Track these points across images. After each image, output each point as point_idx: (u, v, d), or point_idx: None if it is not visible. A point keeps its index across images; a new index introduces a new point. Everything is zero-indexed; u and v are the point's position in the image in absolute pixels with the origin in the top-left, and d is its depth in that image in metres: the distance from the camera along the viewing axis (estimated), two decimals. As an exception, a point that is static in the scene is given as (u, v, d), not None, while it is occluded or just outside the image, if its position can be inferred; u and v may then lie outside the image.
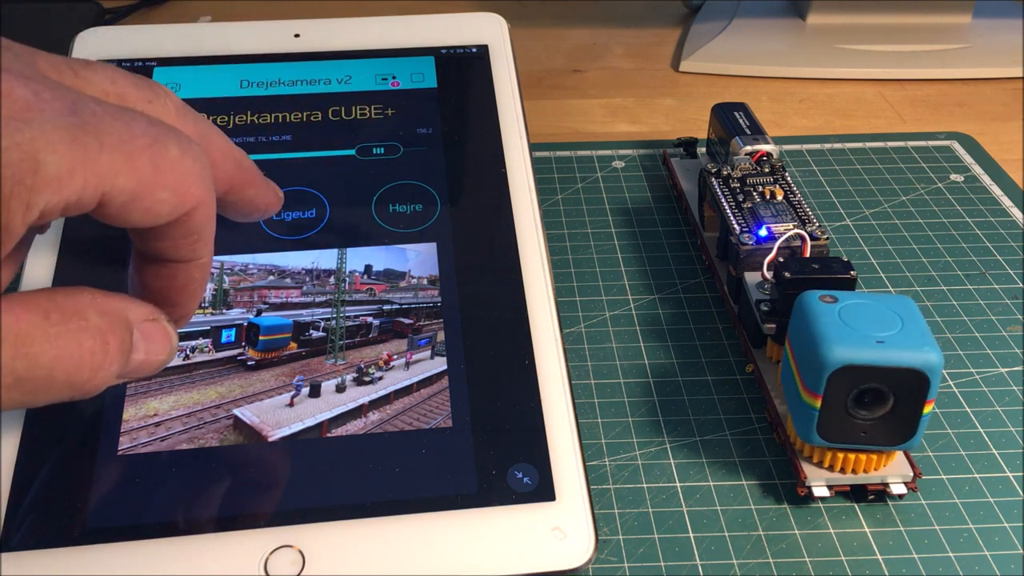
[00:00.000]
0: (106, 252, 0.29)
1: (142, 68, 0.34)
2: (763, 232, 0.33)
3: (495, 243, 0.30)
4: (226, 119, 0.33)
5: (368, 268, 0.30)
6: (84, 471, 0.25)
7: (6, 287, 0.19)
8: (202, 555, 0.23)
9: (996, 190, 0.42)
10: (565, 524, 0.24)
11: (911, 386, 0.25)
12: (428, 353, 0.28)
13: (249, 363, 0.27)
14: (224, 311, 0.28)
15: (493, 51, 0.35)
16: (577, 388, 0.32)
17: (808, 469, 0.27)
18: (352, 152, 0.33)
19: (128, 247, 0.29)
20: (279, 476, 0.25)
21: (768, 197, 0.35)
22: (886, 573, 0.26)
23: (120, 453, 0.25)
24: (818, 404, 0.25)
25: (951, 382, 0.32)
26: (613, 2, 0.67)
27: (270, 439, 0.26)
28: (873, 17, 0.58)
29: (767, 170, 0.36)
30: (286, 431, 0.26)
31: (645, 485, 0.28)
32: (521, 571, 0.23)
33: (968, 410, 0.31)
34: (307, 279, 0.29)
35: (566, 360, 0.27)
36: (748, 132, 0.38)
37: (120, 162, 0.18)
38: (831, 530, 0.27)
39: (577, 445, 0.26)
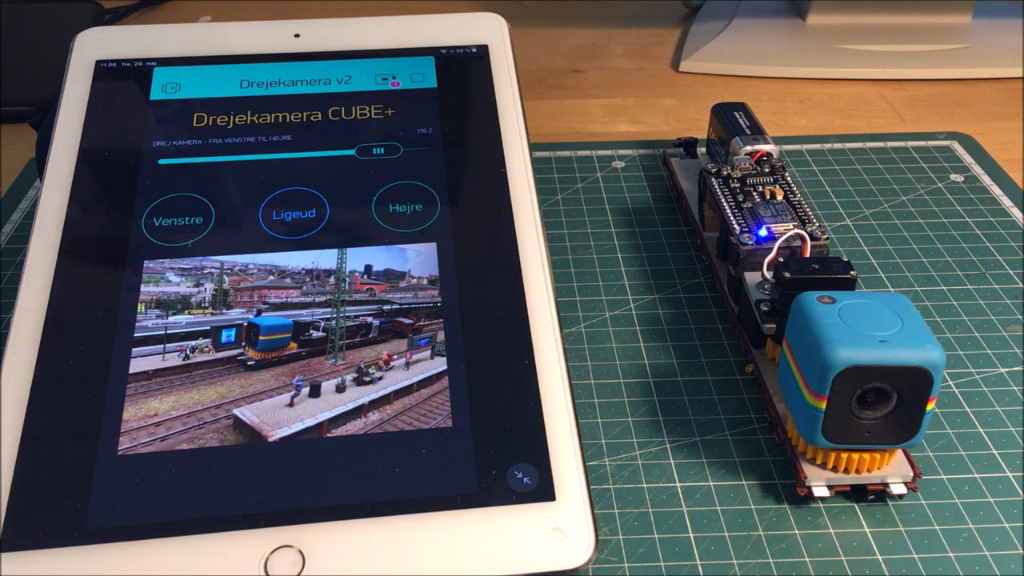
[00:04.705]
0: (106, 252, 0.29)
1: (142, 68, 0.34)
2: (763, 232, 0.33)
3: (495, 243, 0.30)
4: (226, 119, 0.33)
5: (368, 268, 0.30)
6: (84, 471, 0.25)
7: None
8: (202, 555, 0.23)
9: (996, 190, 0.42)
10: (565, 524, 0.24)
11: (915, 384, 0.25)
12: (428, 353, 0.28)
13: (249, 363, 0.27)
14: (224, 311, 0.28)
15: (493, 51, 0.35)
16: (577, 388, 0.32)
17: (808, 469, 0.27)
18: (352, 152, 0.33)
19: (128, 247, 0.29)
20: (279, 476, 0.25)
21: (768, 197, 0.35)
22: (886, 573, 0.26)
23: (120, 453, 0.25)
24: (823, 406, 0.25)
25: (951, 382, 0.32)
26: (613, 2, 0.67)
27: (270, 439, 0.26)
28: (873, 17, 0.58)
29: (767, 170, 0.36)
30: (286, 431, 0.26)
31: (645, 485, 0.28)
32: (521, 571, 0.23)
33: (968, 410, 0.31)
34: (307, 279, 0.29)
35: (566, 360, 0.27)
36: (748, 132, 0.38)
37: None
38: (831, 530, 0.27)
39: (577, 445, 0.26)
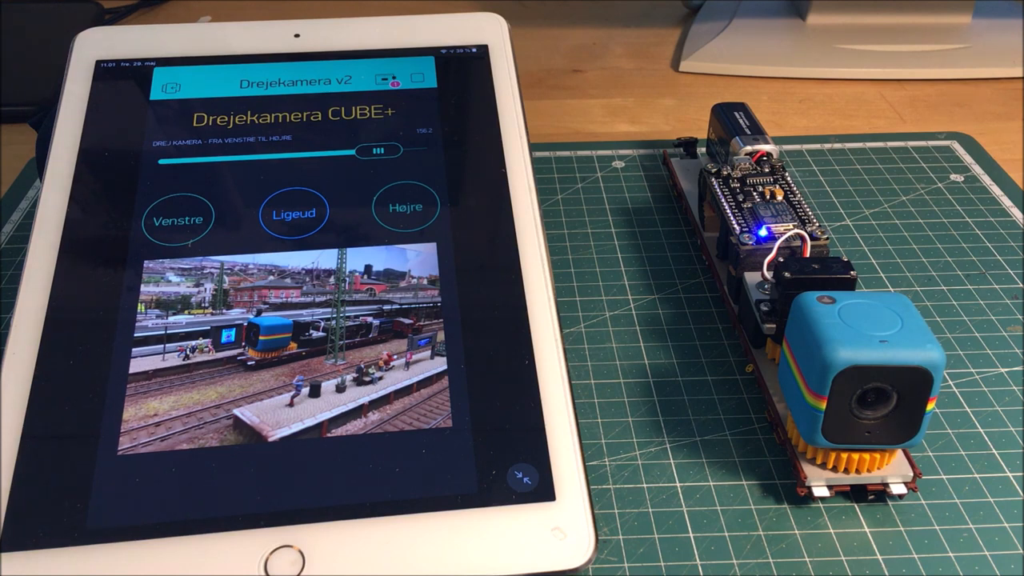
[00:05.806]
0: (106, 252, 0.29)
1: (142, 68, 0.34)
2: (763, 232, 0.33)
3: (495, 243, 0.30)
4: (226, 119, 0.33)
5: (368, 268, 0.30)
6: (84, 471, 0.25)
7: None
8: (202, 555, 0.23)
9: (996, 190, 0.42)
10: (565, 524, 0.24)
11: (915, 384, 0.25)
12: (428, 353, 0.28)
13: (249, 363, 0.27)
14: (224, 311, 0.28)
15: (493, 51, 0.35)
16: (577, 388, 0.32)
17: (808, 469, 0.27)
18: (352, 152, 0.33)
19: (128, 247, 0.30)
20: (279, 476, 0.25)
21: (768, 197, 0.35)
22: (886, 573, 0.26)
23: (120, 453, 0.25)
24: (823, 406, 0.25)
25: (951, 382, 0.32)
26: (613, 2, 0.67)
27: (270, 439, 0.26)
28: (873, 17, 0.58)
29: (767, 170, 0.36)
30: (286, 431, 0.26)
31: (645, 485, 0.28)
32: (521, 571, 0.23)
33: (968, 410, 0.31)
34: (307, 279, 0.29)
35: (566, 360, 0.27)
36: (748, 132, 0.38)
37: None
38: (831, 530, 0.27)
39: (577, 445, 0.26)
